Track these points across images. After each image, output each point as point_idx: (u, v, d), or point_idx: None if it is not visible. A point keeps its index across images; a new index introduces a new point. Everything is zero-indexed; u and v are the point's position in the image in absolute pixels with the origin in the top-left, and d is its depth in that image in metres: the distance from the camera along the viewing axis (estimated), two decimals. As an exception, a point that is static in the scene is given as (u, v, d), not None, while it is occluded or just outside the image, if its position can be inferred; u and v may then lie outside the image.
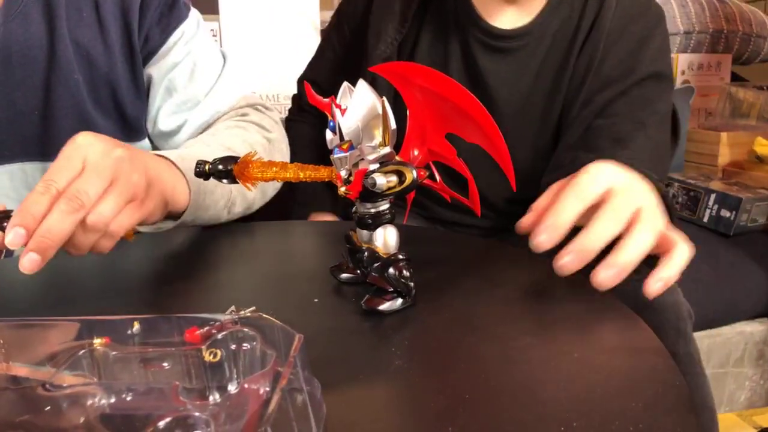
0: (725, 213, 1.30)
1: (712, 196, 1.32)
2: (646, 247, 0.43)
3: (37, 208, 0.45)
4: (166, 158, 0.61)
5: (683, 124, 1.58)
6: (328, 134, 0.43)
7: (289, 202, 0.93)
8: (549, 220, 0.44)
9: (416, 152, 0.45)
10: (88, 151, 0.49)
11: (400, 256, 0.43)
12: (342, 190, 0.44)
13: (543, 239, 0.43)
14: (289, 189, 0.78)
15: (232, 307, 0.45)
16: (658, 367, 0.36)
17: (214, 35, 1.53)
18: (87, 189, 0.47)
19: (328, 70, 0.98)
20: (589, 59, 0.79)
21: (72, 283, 0.54)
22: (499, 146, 0.42)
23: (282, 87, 1.57)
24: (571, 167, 0.77)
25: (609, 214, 0.43)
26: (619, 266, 0.42)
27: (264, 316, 0.35)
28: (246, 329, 0.34)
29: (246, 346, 0.34)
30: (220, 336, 0.34)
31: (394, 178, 0.41)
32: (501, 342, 0.40)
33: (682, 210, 1.38)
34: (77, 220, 0.46)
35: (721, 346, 1.20)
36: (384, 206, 0.44)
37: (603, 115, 0.78)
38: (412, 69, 0.42)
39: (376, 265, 0.43)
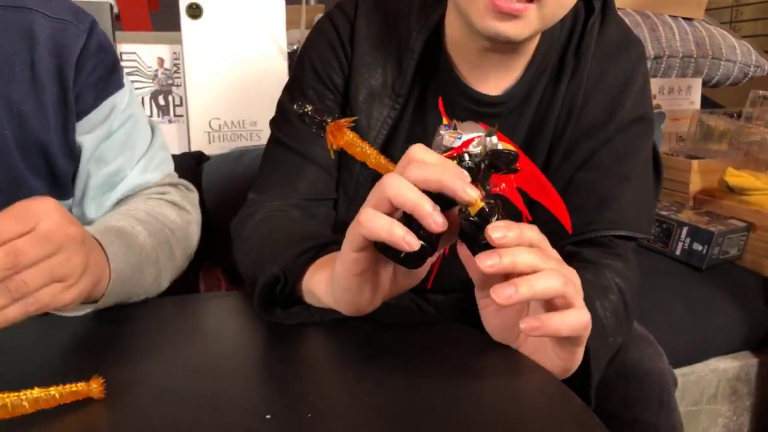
0: (697, 246, 1.28)
1: (684, 229, 1.31)
2: (551, 284, 0.45)
3: None
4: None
5: (655, 151, 1.57)
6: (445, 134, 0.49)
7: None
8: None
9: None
10: (43, 217, 0.49)
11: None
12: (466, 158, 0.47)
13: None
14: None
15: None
16: None
17: (176, 59, 1.48)
18: (27, 251, 0.47)
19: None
20: (570, 106, 0.73)
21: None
22: (555, 197, 0.52)
23: (247, 113, 1.52)
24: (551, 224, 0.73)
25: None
26: (518, 289, 0.44)
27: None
28: None
29: None
30: None
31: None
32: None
33: (654, 242, 1.37)
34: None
35: (694, 384, 1.18)
36: None
37: (585, 167, 0.72)
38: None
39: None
